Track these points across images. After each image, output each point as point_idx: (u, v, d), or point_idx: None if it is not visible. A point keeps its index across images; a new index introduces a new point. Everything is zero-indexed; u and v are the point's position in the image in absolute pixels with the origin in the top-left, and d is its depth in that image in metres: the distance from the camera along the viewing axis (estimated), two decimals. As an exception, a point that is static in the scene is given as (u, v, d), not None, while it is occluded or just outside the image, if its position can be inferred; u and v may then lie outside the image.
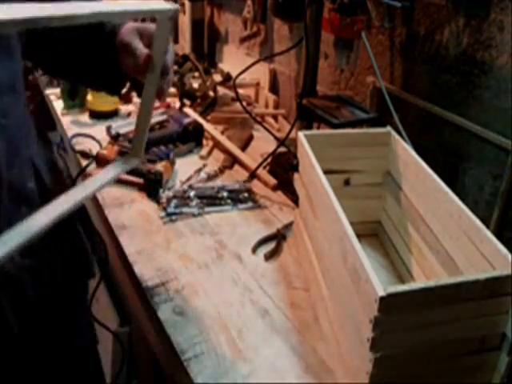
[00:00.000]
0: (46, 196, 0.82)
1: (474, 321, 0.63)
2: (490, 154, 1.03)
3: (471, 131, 1.06)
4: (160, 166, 1.25)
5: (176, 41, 2.18)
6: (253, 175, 1.30)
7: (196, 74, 1.76)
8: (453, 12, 1.06)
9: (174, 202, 1.17)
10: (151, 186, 1.21)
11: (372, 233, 1.07)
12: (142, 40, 0.76)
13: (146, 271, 0.97)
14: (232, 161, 1.38)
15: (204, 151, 1.44)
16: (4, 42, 0.68)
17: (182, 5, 2.05)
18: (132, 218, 1.12)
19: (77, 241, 0.89)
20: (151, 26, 0.77)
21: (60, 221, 0.64)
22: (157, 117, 1.53)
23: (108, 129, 1.45)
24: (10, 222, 0.66)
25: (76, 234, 0.90)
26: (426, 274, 0.86)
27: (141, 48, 0.74)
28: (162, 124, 1.49)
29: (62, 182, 0.95)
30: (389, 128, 1.01)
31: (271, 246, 1.05)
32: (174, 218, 1.13)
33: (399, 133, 1.08)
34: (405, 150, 0.94)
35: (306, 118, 1.23)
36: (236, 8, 1.88)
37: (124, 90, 1.76)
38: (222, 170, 1.33)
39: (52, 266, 0.80)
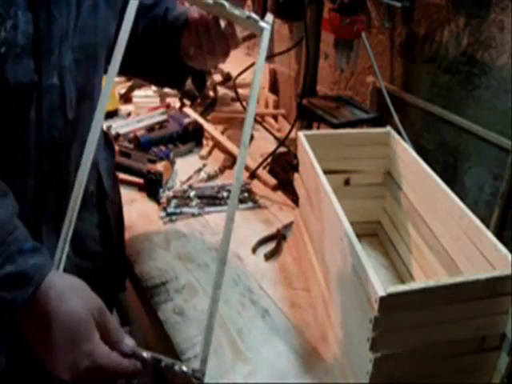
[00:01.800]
0: (104, 200, 0.86)
1: (473, 321, 0.63)
2: (490, 154, 1.03)
3: (471, 131, 1.06)
4: (160, 166, 1.25)
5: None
6: (253, 175, 1.30)
7: (196, 73, 1.75)
8: (453, 12, 1.06)
9: (173, 202, 1.17)
10: (151, 186, 1.21)
11: (372, 233, 1.07)
12: None
13: (145, 271, 0.98)
14: (232, 161, 1.38)
15: (204, 151, 1.44)
16: (93, 52, 0.72)
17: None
18: (132, 218, 1.12)
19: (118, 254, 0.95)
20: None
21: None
22: (157, 117, 1.53)
23: (108, 129, 1.45)
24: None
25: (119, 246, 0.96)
26: (426, 274, 0.86)
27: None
28: (161, 124, 1.49)
29: (117, 189, 0.97)
30: (389, 128, 1.01)
31: (271, 246, 1.05)
32: (173, 218, 1.13)
33: (399, 133, 1.08)
34: (405, 150, 0.94)
35: (306, 117, 1.23)
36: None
37: (124, 91, 1.77)
38: (221, 170, 1.33)
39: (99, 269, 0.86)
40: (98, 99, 0.81)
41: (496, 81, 0.99)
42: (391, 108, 1.18)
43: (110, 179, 0.90)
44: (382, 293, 0.57)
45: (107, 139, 0.94)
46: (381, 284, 0.58)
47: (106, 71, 0.83)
